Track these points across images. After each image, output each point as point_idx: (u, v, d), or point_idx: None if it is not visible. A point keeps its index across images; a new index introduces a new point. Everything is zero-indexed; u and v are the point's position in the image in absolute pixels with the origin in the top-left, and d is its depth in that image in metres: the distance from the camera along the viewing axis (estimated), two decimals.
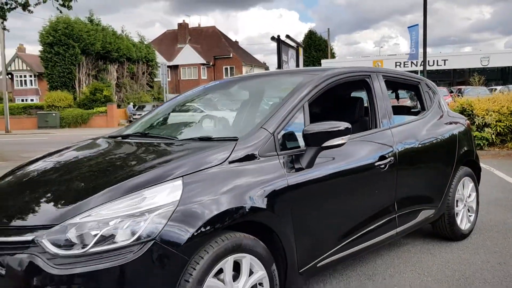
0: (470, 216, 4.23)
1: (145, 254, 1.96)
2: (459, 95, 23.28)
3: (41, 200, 2.29)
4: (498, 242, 4.01)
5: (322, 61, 42.35)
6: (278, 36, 9.36)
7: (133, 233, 1.97)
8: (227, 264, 2.22)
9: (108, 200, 2.06)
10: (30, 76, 51.60)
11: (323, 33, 53.25)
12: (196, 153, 2.42)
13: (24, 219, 2.15)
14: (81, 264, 1.92)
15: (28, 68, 50.92)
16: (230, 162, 2.38)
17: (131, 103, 35.00)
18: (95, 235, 1.95)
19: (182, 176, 2.20)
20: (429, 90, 4.17)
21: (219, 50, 50.37)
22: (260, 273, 2.37)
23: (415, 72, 30.60)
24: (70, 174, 2.56)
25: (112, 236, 1.96)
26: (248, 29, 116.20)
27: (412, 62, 32.33)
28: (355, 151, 3.04)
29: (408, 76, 4.08)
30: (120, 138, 3.21)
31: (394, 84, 3.98)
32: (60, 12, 15.51)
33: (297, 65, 11.62)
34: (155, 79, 43.42)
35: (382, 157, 3.17)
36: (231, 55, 49.46)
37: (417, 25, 24.95)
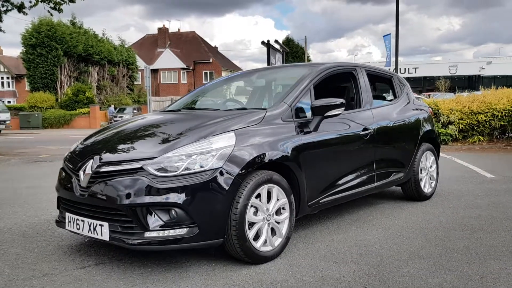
0: (431, 182, 5.38)
1: (215, 177, 2.98)
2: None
3: (143, 142, 3.33)
4: (453, 202, 5.15)
5: None
6: (268, 40, 10.51)
7: (207, 164, 3.00)
8: (263, 190, 3.25)
9: (188, 142, 3.09)
10: (8, 78, 51.37)
11: (300, 41, 54.90)
12: (240, 116, 3.46)
13: (134, 154, 3.16)
14: (174, 182, 2.94)
15: (6, 70, 50.71)
16: (264, 123, 3.43)
17: (112, 106, 35.56)
18: (182, 164, 2.97)
19: (234, 130, 3.24)
20: (400, 83, 5.32)
21: (199, 55, 51.32)
22: (283, 200, 3.41)
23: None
24: (157, 128, 3.59)
25: (193, 165, 2.98)
26: (224, 35, 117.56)
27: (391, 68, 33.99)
28: (346, 123, 4.12)
29: (383, 71, 5.24)
30: (173, 111, 4.24)
31: (373, 77, 5.10)
32: (51, 15, 16.19)
33: None
34: (135, 82, 44.03)
35: (365, 129, 4.27)
36: (210, 60, 50.46)
37: (389, 34, 26.58)
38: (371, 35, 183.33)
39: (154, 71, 49.47)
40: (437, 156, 5.53)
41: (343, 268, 3.15)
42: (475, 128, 11.60)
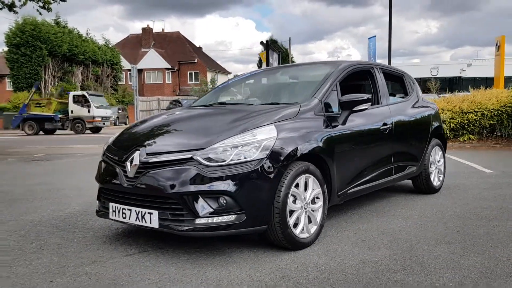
0: (439, 176, 5.63)
1: (260, 167, 3.15)
2: None
3: (188, 134, 3.47)
4: (461, 194, 5.41)
5: None
6: (267, 40, 10.70)
7: (252, 154, 3.16)
8: (301, 180, 3.43)
9: (233, 134, 3.25)
10: None
11: (284, 42, 55.28)
12: (276, 110, 3.63)
13: (183, 145, 3.30)
14: (223, 171, 3.09)
15: None
16: (299, 117, 3.61)
17: None
18: (230, 154, 3.13)
19: (274, 123, 3.41)
20: (410, 81, 5.57)
21: (183, 55, 51.26)
22: (318, 189, 3.59)
23: None
24: (197, 121, 3.75)
25: (240, 155, 3.14)
26: (205, 36, 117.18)
27: None
28: (368, 118, 4.33)
29: (396, 70, 5.47)
30: (205, 106, 4.39)
31: (387, 75, 5.33)
32: (40, 14, 16.07)
33: None
34: (119, 83, 43.76)
35: (384, 124, 4.49)
36: (196, 61, 50.46)
37: (374, 36, 27.05)
38: (351, 38, 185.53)
39: (139, 71, 49.17)
40: (444, 151, 5.79)
41: (378, 252, 3.34)
42: (466, 127, 11.99)
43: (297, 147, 3.40)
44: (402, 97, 5.49)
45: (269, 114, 3.55)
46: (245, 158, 3.15)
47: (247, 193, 3.11)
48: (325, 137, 3.69)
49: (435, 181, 5.49)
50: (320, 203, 3.61)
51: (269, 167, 3.19)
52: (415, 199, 5.18)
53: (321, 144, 3.62)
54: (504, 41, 23.82)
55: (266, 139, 3.25)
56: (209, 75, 49.77)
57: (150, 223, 3.21)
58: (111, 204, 3.49)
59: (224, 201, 3.10)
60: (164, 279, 2.90)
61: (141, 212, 3.26)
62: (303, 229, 3.45)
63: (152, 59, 49.77)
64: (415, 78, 5.88)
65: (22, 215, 4.69)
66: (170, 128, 3.71)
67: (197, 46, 57.71)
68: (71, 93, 26.23)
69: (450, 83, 48.42)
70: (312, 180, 3.52)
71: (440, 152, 5.65)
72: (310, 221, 3.55)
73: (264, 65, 31.43)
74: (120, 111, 36.64)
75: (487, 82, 45.59)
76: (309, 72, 4.88)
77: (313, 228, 3.54)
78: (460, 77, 48.10)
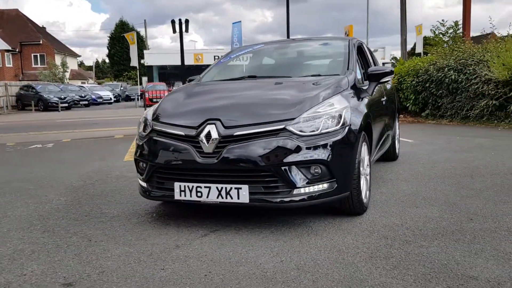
0: (398, 145, 6.28)
1: (346, 133, 3.24)
2: None
3: (267, 105, 3.36)
4: (417, 160, 6.11)
5: (145, 51, 42.52)
6: (179, 19, 10.36)
7: (338, 122, 3.22)
8: (364, 148, 3.59)
9: (314, 104, 3.26)
10: None
11: (138, 25, 53.28)
12: (332, 81, 3.69)
13: (268, 116, 3.19)
14: (316, 140, 3.11)
15: None
16: (351, 87, 3.75)
17: None
18: (320, 124, 3.15)
19: (340, 93, 3.51)
20: (376, 59, 6.05)
21: (25, 35, 45.86)
22: (367, 156, 3.79)
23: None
24: (259, 92, 3.73)
25: (328, 124, 3.18)
26: (34, 16, 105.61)
27: None
28: (376, 91, 4.62)
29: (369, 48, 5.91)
30: (233, 79, 4.29)
31: (368, 50, 5.68)
32: None
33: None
34: None
35: (382, 96, 4.87)
36: (41, 42, 45.55)
37: (240, 22, 27.73)
38: (192, 23, 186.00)
39: None
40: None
41: (431, 209, 3.70)
42: None
43: (363, 116, 3.58)
44: None
45: (329, 84, 3.62)
46: (331, 127, 3.20)
47: (338, 161, 3.18)
48: (369, 107, 3.90)
49: (397, 149, 6.11)
50: (368, 169, 3.82)
51: (351, 135, 3.30)
52: (391, 167, 5.70)
53: (370, 114, 3.82)
54: (352, 30, 26.63)
55: (343, 108, 3.34)
56: (58, 58, 45.47)
57: (238, 198, 3.08)
58: (177, 184, 3.22)
59: (318, 170, 3.12)
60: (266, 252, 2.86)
61: (225, 188, 3.09)
62: (365, 194, 3.63)
63: None
64: None
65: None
66: (233, 100, 3.55)
67: (40, 26, 52.24)
68: None
69: None
70: (366, 148, 3.71)
71: (397, 123, 6.29)
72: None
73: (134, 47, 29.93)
74: None
75: None
76: (325, 46, 4.96)
77: (367, 193, 3.75)
78: None
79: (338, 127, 3.22)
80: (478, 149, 6.80)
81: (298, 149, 3.06)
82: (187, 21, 10.25)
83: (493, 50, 10.77)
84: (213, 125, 3.17)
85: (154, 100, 24.76)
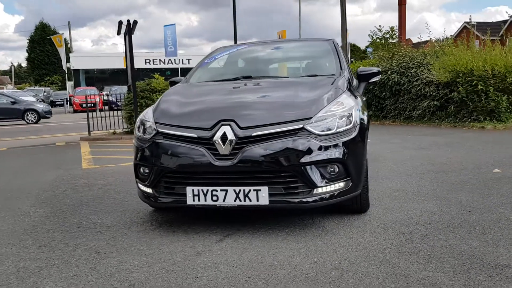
0: None
1: (358, 132, 3.26)
2: None
3: (279, 105, 3.33)
4: (384, 158, 6.33)
5: (71, 55, 40.51)
6: (128, 20, 9.91)
7: (349, 122, 3.24)
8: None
9: (327, 104, 3.26)
10: None
11: (61, 27, 50.76)
12: (332, 81, 3.70)
13: (285, 116, 3.13)
14: (333, 139, 3.11)
15: None
16: (348, 87, 3.79)
17: None
18: (335, 122, 3.15)
19: (344, 92, 3.53)
20: None
21: None
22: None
23: (176, 69, 32.99)
24: (265, 92, 3.70)
25: (343, 123, 3.19)
26: None
27: (170, 59, 34.93)
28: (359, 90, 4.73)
29: None
30: (234, 79, 4.15)
31: None
32: None
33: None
34: None
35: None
36: None
37: (173, 24, 27.25)
38: (114, 26, 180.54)
39: None
40: None
41: (427, 204, 3.83)
42: None
43: (367, 115, 3.63)
44: None
45: (332, 85, 3.63)
46: (345, 126, 3.21)
47: (353, 159, 3.20)
48: (364, 106, 3.97)
49: None
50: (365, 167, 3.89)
51: (361, 133, 3.33)
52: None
53: (367, 113, 3.89)
54: (285, 35, 27.17)
55: (351, 107, 3.36)
56: None
57: (257, 200, 3.00)
58: (190, 188, 3.07)
59: (335, 169, 3.12)
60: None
61: (243, 190, 3.00)
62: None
63: None
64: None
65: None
66: (241, 100, 3.45)
67: None
68: None
69: None
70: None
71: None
72: None
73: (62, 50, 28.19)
74: None
75: None
76: (310, 47, 4.94)
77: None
78: None
79: (350, 126, 3.24)
80: (435, 146, 7.17)
81: (317, 149, 3.03)
82: (135, 22, 9.79)
83: (432, 54, 11.45)
84: (228, 126, 3.06)
85: (84, 106, 23.25)
